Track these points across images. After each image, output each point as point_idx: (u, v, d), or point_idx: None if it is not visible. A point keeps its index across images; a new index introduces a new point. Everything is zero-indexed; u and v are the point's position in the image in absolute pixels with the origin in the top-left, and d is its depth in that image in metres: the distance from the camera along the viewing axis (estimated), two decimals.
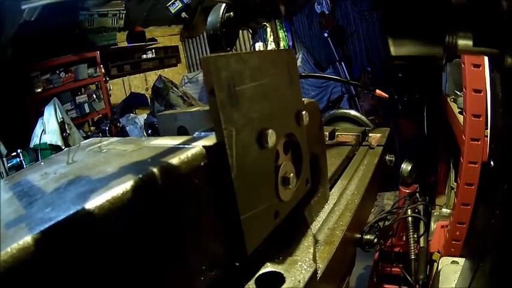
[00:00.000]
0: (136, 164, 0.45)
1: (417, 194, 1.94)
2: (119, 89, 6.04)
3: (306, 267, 0.59)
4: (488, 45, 0.33)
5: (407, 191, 1.89)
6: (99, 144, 0.73)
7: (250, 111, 0.51)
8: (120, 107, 5.60)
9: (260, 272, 0.57)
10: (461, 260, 0.99)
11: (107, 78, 5.30)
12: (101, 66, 5.04)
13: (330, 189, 0.99)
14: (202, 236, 0.47)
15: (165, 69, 6.86)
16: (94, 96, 5.05)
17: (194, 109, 0.97)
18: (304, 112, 0.67)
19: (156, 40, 6.54)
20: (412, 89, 3.11)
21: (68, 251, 0.33)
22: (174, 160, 0.43)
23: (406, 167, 1.75)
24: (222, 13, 0.75)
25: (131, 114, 5.30)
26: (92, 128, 4.96)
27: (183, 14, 3.16)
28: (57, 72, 4.57)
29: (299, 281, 0.55)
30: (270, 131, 0.54)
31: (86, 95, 4.96)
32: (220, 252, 0.50)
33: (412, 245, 1.78)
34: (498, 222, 0.53)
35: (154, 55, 6.68)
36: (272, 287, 0.55)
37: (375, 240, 1.06)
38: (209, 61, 0.44)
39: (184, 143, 0.50)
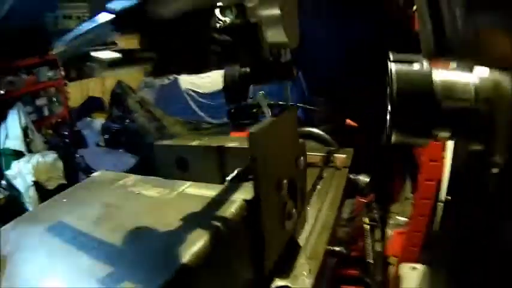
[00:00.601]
0: (195, 217, 0.59)
1: (373, 203, 2.11)
2: (77, 92, 5.94)
3: (306, 280, 0.76)
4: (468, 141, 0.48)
5: (364, 200, 2.05)
6: (120, 183, 0.78)
7: (273, 167, 0.68)
8: (77, 111, 5.53)
9: (273, 286, 0.74)
10: (420, 266, 1.12)
11: (66, 81, 5.23)
12: (61, 68, 4.97)
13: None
14: (242, 265, 0.63)
15: (123, 73, 6.77)
16: (53, 99, 4.99)
17: (193, 143, 1.10)
18: (302, 158, 0.84)
19: (115, 44, 6.47)
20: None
21: None
22: (228, 214, 0.59)
23: (363, 178, 1.91)
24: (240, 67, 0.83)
25: (88, 119, 5.26)
26: (49, 132, 4.87)
27: None
28: (19, 74, 4.49)
29: None
30: (285, 181, 0.70)
31: (45, 98, 4.89)
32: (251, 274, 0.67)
33: (369, 249, 1.95)
34: (455, 235, 0.67)
35: None
36: None
37: (345, 251, 1.24)
38: (254, 135, 0.61)
39: (223, 194, 0.65)
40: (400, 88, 0.42)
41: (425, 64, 0.43)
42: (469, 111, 0.41)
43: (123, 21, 0.45)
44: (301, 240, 1.02)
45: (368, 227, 2.01)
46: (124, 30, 0.48)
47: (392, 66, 0.43)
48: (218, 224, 0.56)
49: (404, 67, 0.42)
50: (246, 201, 0.63)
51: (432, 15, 0.39)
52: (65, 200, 0.73)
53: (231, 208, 0.60)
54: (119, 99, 5.35)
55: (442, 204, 1.54)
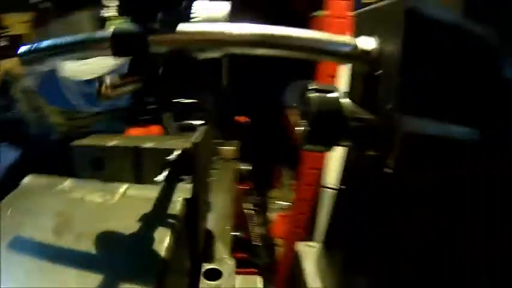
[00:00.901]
0: (150, 218, 0.68)
1: (253, 190, 2.28)
2: None
3: (229, 263, 0.92)
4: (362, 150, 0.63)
5: (244, 187, 2.12)
6: (59, 188, 0.77)
7: (204, 169, 0.83)
8: None
9: (203, 269, 0.87)
10: (315, 244, 1.19)
11: None
12: None
13: None
14: (185, 256, 0.78)
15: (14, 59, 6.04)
16: None
17: (111, 143, 1.14)
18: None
19: (7, 28, 5.77)
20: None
21: None
22: (176, 212, 0.71)
23: (245, 166, 1.98)
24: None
25: None
26: None
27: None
28: None
29: (230, 272, 0.88)
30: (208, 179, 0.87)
31: None
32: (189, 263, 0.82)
33: (254, 233, 2.13)
34: (347, 224, 0.75)
35: (7, 43, 5.88)
36: (213, 278, 0.86)
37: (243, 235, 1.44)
38: (197, 144, 0.77)
39: (163, 195, 0.76)
40: (318, 111, 0.53)
41: (338, 92, 0.56)
42: (369, 129, 0.55)
43: (118, 43, 0.49)
44: (211, 228, 1.17)
45: (251, 212, 2.19)
46: (117, 52, 0.50)
47: (313, 93, 0.54)
48: (173, 221, 0.68)
49: (321, 94, 0.54)
50: (186, 199, 0.75)
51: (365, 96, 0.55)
52: (9, 212, 0.70)
53: (177, 207, 0.72)
54: (5, 88, 4.84)
55: (327, 190, 1.75)
